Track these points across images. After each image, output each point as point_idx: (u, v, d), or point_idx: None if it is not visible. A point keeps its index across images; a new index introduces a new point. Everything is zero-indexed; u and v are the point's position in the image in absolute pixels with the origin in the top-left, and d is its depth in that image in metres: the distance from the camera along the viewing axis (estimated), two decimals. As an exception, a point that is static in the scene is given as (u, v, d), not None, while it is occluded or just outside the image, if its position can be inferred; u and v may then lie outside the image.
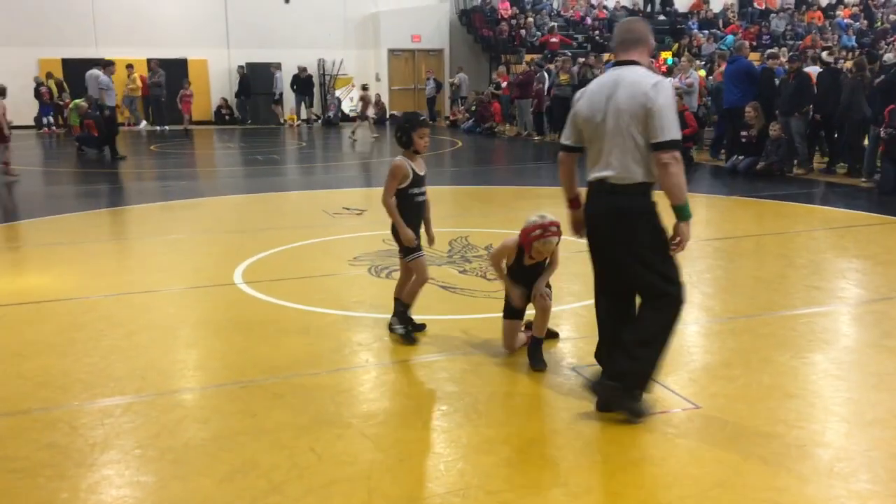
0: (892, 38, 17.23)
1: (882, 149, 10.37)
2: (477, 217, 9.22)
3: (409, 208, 4.74)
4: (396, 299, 4.97)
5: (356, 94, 25.22)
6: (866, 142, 11.55)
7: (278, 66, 24.15)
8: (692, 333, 4.94)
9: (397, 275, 6.41)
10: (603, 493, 3.10)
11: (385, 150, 18.64)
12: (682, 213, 3.57)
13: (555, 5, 26.97)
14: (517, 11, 25.34)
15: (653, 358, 3.66)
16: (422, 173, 4.75)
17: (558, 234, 4.28)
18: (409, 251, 4.80)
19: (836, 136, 12.50)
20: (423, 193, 4.80)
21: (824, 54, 15.08)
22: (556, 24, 24.83)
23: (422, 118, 4.84)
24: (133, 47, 22.83)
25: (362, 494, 3.09)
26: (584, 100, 3.72)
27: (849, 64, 12.56)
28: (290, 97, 24.67)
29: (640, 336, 3.66)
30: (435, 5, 26.37)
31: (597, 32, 24.96)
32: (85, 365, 4.53)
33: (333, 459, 3.37)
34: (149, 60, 22.55)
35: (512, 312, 4.58)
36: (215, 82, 24.17)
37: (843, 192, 10.80)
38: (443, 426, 3.73)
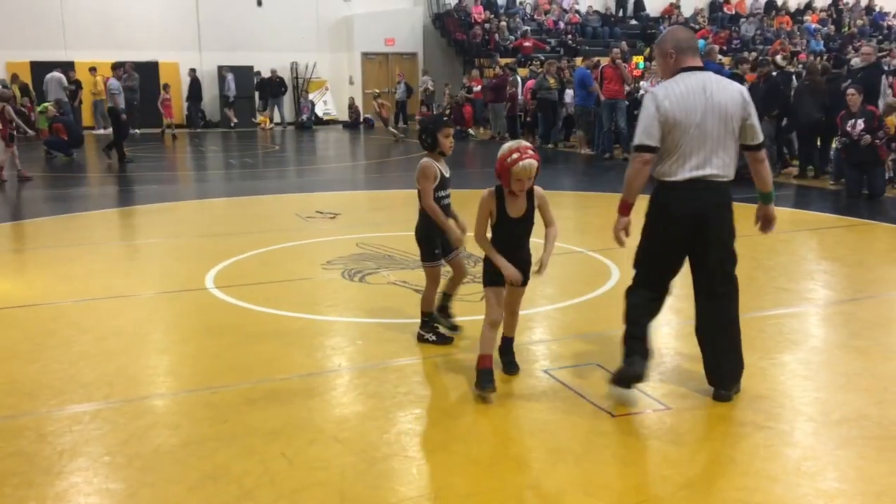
0: (858, 43, 17.51)
1: (843, 155, 10.52)
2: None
3: (439, 235, 4.69)
4: (430, 311, 4.88)
5: (329, 97, 25.26)
6: (835, 144, 11.70)
7: (228, 68, 23.91)
8: (663, 335, 4.98)
9: (371, 278, 6.43)
10: (574, 495, 3.12)
11: (363, 153, 18.62)
12: (771, 197, 4.17)
13: (528, 10, 27.09)
14: (490, 15, 25.41)
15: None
16: (447, 175, 4.69)
17: (536, 156, 3.90)
18: (430, 257, 4.74)
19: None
20: (448, 196, 4.73)
21: (778, 58, 15.28)
22: (529, 28, 24.95)
23: (445, 118, 4.77)
24: (103, 50, 22.55)
25: (334, 499, 3.07)
26: (672, 101, 3.78)
27: (820, 64, 12.74)
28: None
29: (733, 325, 3.98)
30: (409, 9, 26.38)
31: (569, 37, 25.11)
32: (53, 371, 4.47)
33: (305, 464, 3.35)
34: (122, 63, 22.31)
35: (495, 279, 4.08)
36: (186, 86, 23.95)
37: (811, 194, 10.95)
38: (416, 429, 3.73)
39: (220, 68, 23.99)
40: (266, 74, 24.03)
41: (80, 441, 3.59)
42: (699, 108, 3.76)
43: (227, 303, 5.81)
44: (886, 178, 10.22)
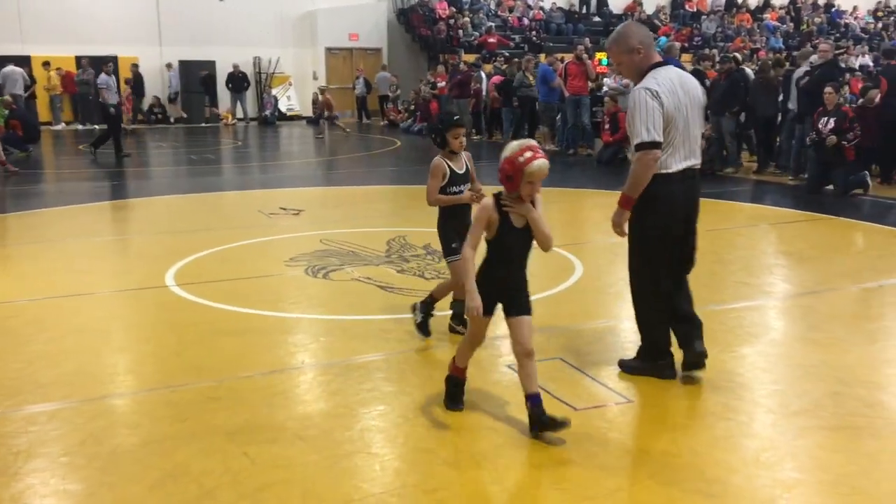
0: (816, 41, 17.81)
1: (814, 152, 10.63)
2: (415, 216, 9.21)
3: (449, 208, 4.67)
4: (453, 301, 4.91)
5: (293, 92, 25.05)
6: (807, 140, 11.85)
7: (170, 64, 23.56)
8: (624, 329, 5.02)
9: (335, 275, 6.39)
10: (538, 489, 3.13)
11: (327, 149, 18.50)
12: None
13: (492, 6, 27.11)
14: (455, 11, 25.40)
15: None
16: (461, 171, 4.66)
17: (546, 156, 3.63)
18: (448, 251, 4.71)
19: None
20: (461, 192, 4.68)
21: (738, 55, 15.49)
22: (493, 24, 24.98)
23: (456, 118, 4.72)
24: (61, 44, 22.15)
25: (296, 497, 3.05)
26: (665, 97, 3.85)
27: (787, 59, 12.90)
28: (225, 95, 24.27)
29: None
30: (373, 4, 26.26)
31: (533, 33, 25.19)
32: (9, 371, 4.37)
33: (267, 463, 3.32)
34: (78, 58, 21.94)
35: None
36: (147, 81, 23.58)
37: (771, 189, 11.12)
38: (380, 426, 3.72)
39: (168, 65, 23.64)
40: (229, 69, 23.73)
41: (36, 442, 3.52)
42: (683, 100, 3.90)
43: (187, 300, 5.74)
44: (864, 178, 10.27)
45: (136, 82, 22.79)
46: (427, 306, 4.86)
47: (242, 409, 3.85)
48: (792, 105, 11.77)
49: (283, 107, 25.08)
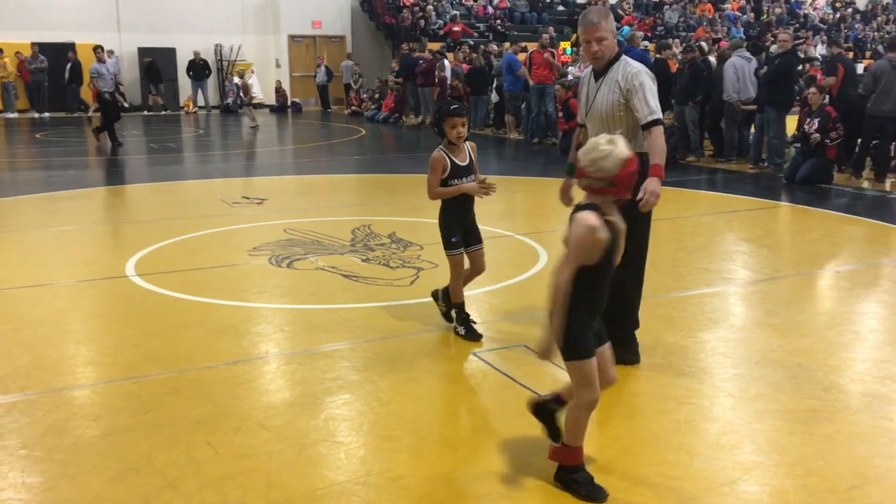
0: (776, 31, 18.07)
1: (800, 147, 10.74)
2: (380, 205, 9.19)
3: (451, 200, 4.53)
4: (459, 303, 4.69)
5: (255, 80, 24.73)
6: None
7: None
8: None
9: (299, 264, 6.35)
10: (502, 475, 3.15)
11: (290, 137, 18.35)
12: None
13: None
14: (420, -1, 25.30)
15: None
16: (464, 163, 4.49)
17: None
18: (447, 245, 4.57)
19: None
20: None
21: (703, 45, 15.64)
22: (457, 12, 24.92)
23: (453, 107, 4.45)
24: (16, 30, 21.65)
25: (261, 487, 3.04)
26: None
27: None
28: (185, 83, 23.93)
29: None
30: (336, -9, 26.05)
31: (498, 22, 25.19)
32: (-36, 364, 4.28)
33: (231, 452, 3.30)
34: (34, 44, 21.46)
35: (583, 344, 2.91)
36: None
37: (732, 178, 11.27)
38: (344, 414, 3.71)
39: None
40: (189, 57, 23.39)
41: (-7, 435, 3.46)
42: None
43: (149, 291, 5.66)
44: (831, 171, 10.44)
45: (74, 70, 22.11)
46: (461, 317, 4.66)
47: (205, 400, 3.82)
48: (728, 95, 11.94)
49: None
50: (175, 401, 3.81)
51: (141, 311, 5.22)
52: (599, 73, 4.11)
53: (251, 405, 3.79)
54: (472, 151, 4.60)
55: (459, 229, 4.59)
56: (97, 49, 15.91)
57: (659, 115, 3.94)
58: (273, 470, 3.16)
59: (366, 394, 3.91)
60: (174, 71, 23.90)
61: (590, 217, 2.78)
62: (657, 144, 3.92)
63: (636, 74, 3.97)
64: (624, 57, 4.05)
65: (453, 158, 4.48)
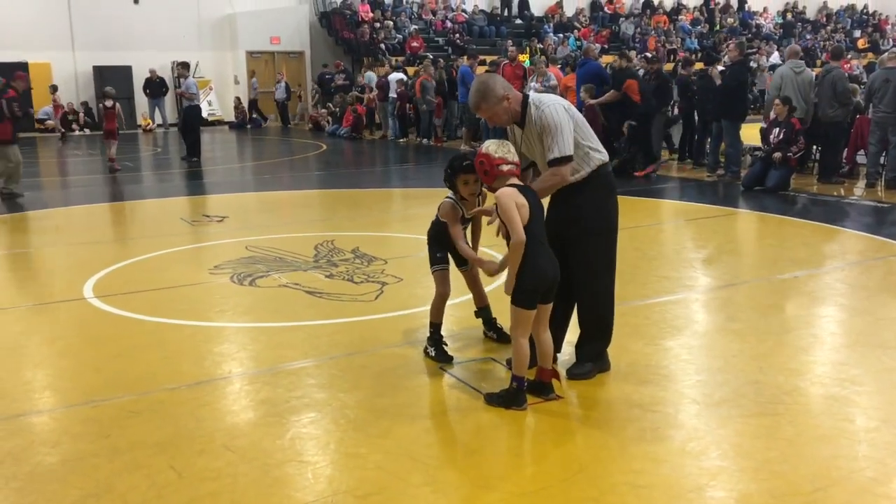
0: (729, 42, 18.43)
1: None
2: (343, 220, 9.15)
3: (447, 225, 4.44)
4: (436, 322, 4.59)
5: (213, 97, 24.55)
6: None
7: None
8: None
9: (261, 282, 6.29)
10: (470, 488, 3.14)
11: (250, 154, 18.19)
12: None
13: (414, 9, 27.16)
14: (378, 14, 25.35)
15: None
16: (468, 217, 4.49)
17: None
18: (433, 260, 4.53)
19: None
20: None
21: (647, 56, 15.94)
22: (416, 27, 25.02)
23: (465, 163, 4.28)
24: (-35, 49, 21.25)
25: (226, 509, 2.99)
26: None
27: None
28: (142, 101, 23.65)
29: None
30: (293, 7, 25.98)
31: (457, 36, 25.33)
32: (-85, 393, 4.16)
33: (195, 476, 3.24)
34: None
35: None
36: (61, 87, 22.78)
37: (690, 186, 11.43)
38: (311, 433, 3.67)
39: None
40: (146, 75, 23.12)
41: (-53, 466, 3.36)
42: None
43: (107, 313, 5.56)
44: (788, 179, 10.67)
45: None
46: (433, 338, 4.58)
47: (167, 423, 3.75)
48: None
49: (204, 112, 24.55)
50: (136, 424, 3.74)
51: (99, 334, 5.12)
52: (519, 123, 4.07)
53: (214, 426, 3.73)
54: (482, 199, 4.53)
55: (444, 248, 4.54)
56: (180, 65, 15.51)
57: (567, 153, 3.90)
58: (239, 492, 3.11)
59: (332, 411, 3.88)
60: (130, 89, 23.59)
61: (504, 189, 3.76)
62: (546, 180, 3.95)
63: (541, 117, 3.91)
64: (531, 101, 3.98)
65: (463, 210, 4.44)
